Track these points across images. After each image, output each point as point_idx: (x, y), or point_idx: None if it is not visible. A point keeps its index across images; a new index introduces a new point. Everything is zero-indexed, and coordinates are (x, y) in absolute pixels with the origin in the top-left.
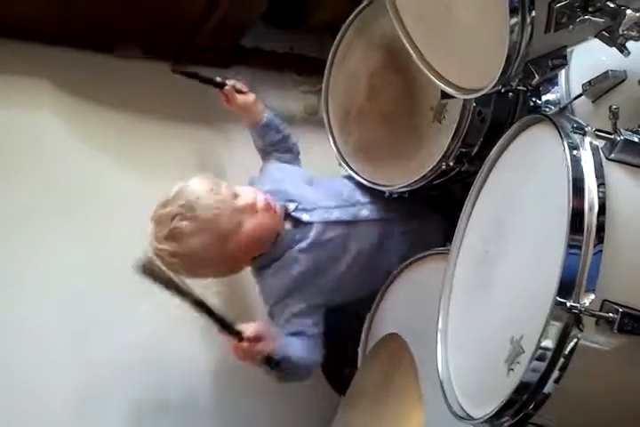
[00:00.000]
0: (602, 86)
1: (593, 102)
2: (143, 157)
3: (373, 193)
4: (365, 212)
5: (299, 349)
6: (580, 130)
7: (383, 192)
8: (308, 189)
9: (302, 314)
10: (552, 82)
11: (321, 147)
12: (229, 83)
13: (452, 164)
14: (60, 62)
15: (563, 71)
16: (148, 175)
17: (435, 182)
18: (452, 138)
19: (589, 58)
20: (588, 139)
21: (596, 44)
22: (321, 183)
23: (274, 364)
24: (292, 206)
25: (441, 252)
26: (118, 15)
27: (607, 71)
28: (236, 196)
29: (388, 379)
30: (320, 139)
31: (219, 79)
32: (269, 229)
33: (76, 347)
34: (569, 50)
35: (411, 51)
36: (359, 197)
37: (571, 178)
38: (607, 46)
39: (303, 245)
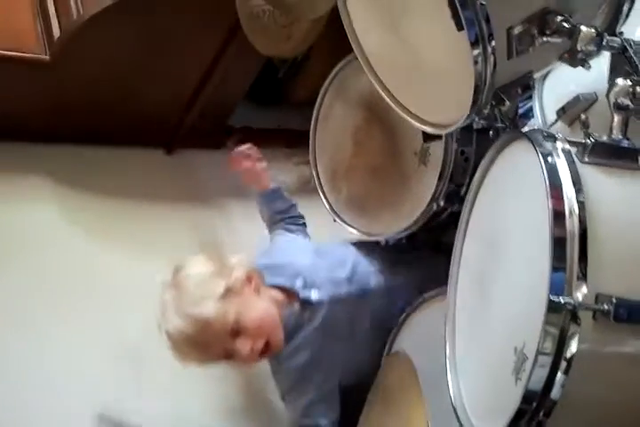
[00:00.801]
0: (575, 110)
1: (569, 126)
2: (143, 240)
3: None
4: (373, 281)
5: None
6: (551, 138)
7: (378, 242)
8: (317, 261)
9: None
10: (528, 115)
11: (317, 211)
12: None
13: (442, 204)
14: (57, 157)
15: (537, 103)
16: (149, 258)
17: (429, 225)
18: (439, 179)
19: (560, 88)
20: (559, 144)
21: (563, 74)
22: (326, 254)
23: None
24: (299, 284)
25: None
26: (110, 107)
27: (578, 95)
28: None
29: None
30: (316, 205)
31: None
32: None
33: None
34: (539, 81)
35: (386, 98)
36: (364, 267)
37: (547, 183)
38: (573, 74)
39: (315, 324)
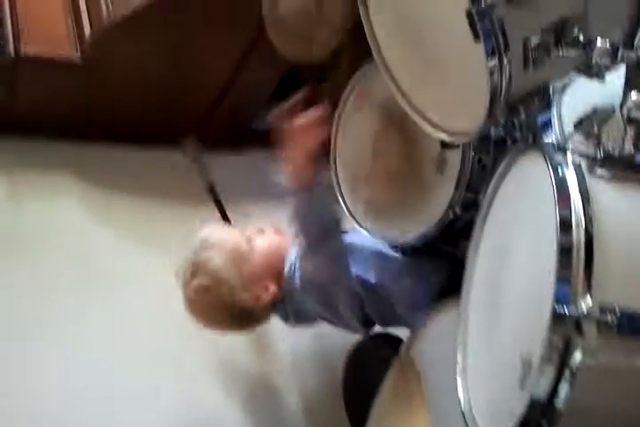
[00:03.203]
0: (592, 122)
1: (586, 139)
2: (165, 240)
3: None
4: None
5: None
6: (562, 150)
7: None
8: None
9: None
10: (546, 126)
11: None
12: None
13: (459, 212)
14: (85, 156)
15: (555, 113)
16: (170, 258)
17: (446, 232)
18: (456, 187)
19: (579, 99)
20: (570, 157)
21: (582, 86)
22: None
23: None
24: None
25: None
26: (137, 108)
27: (595, 107)
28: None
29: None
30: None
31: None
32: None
33: None
34: (558, 92)
35: (404, 105)
36: None
37: (556, 194)
38: (593, 85)
39: None
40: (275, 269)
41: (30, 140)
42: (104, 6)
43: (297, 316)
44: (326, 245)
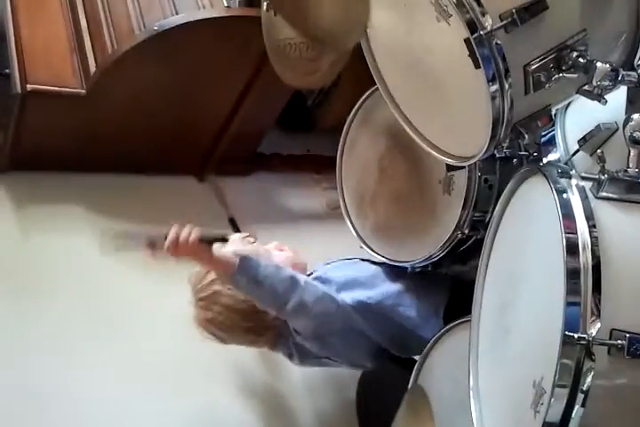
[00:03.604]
0: (596, 140)
1: (591, 155)
2: (176, 267)
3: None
4: None
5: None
6: (566, 174)
7: (405, 268)
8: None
9: None
10: (551, 143)
11: (345, 236)
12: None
13: (467, 232)
14: (93, 187)
15: (559, 132)
16: (182, 285)
17: (455, 252)
18: (463, 208)
19: (582, 116)
20: (574, 181)
21: (586, 103)
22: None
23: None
24: None
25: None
26: (144, 137)
27: (599, 125)
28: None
29: None
30: (344, 230)
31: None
32: None
33: None
34: (561, 109)
35: (408, 130)
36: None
37: (561, 219)
38: (596, 102)
39: None
40: None
41: (40, 175)
42: (108, 42)
43: (300, 355)
44: (298, 303)
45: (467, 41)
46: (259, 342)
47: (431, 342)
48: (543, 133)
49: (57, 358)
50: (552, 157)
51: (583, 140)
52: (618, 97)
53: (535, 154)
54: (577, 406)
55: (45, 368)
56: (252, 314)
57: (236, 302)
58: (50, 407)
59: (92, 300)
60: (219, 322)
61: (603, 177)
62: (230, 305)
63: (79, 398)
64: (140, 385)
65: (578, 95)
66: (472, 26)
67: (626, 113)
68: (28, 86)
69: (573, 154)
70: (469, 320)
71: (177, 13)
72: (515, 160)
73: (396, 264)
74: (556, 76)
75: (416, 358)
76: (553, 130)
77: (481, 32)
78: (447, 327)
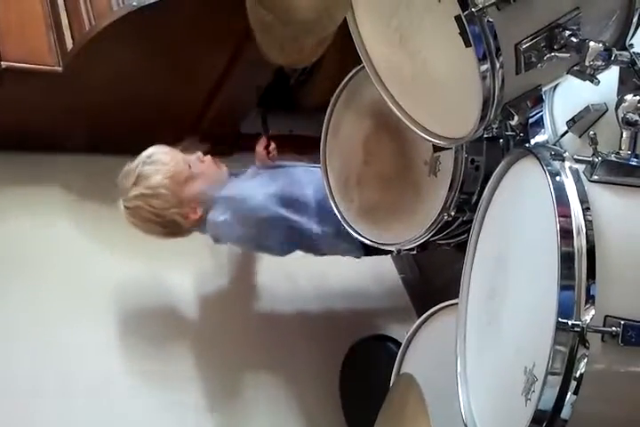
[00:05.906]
0: (585, 121)
1: (580, 137)
2: (156, 249)
3: None
4: None
5: None
6: (559, 156)
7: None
8: None
9: None
10: (539, 124)
11: None
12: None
13: (453, 213)
14: (71, 167)
15: (547, 112)
16: (163, 266)
17: (441, 234)
18: (449, 189)
19: (570, 97)
20: (567, 164)
21: (574, 83)
22: None
23: None
24: None
25: (454, 303)
26: (123, 116)
27: (588, 106)
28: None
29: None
30: None
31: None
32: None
33: None
34: (549, 90)
35: (394, 109)
36: None
37: (555, 202)
38: (584, 83)
39: None
40: (205, 196)
41: (16, 155)
42: (86, 18)
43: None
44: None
45: (457, 18)
46: (178, 236)
47: (415, 325)
48: (531, 114)
49: (33, 341)
50: (539, 138)
51: (572, 122)
52: (606, 77)
53: (522, 135)
54: (570, 394)
55: (23, 352)
56: (170, 224)
57: (156, 217)
58: (31, 393)
59: (71, 281)
60: (139, 225)
61: (596, 160)
62: (150, 218)
63: (61, 385)
64: (122, 368)
65: (568, 75)
66: (463, 2)
67: (618, 94)
68: (3, 63)
69: (562, 135)
70: (456, 304)
71: None
72: (501, 141)
73: (383, 247)
74: (548, 55)
75: (400, 341)
76: (540, 111)
77: (472, 9)
78: (432, 311)
